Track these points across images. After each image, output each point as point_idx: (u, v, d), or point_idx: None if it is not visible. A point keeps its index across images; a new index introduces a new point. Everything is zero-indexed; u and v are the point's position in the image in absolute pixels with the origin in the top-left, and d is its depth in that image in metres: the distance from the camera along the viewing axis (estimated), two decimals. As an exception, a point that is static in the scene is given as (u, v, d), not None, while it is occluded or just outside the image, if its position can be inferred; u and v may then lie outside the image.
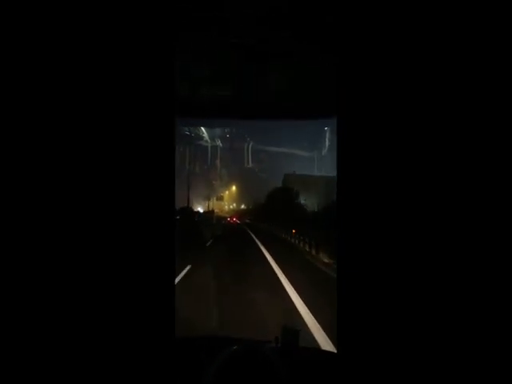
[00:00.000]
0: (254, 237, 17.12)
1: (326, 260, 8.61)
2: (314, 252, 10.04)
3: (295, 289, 5.34)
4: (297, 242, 13.31)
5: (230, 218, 43.38)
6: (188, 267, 7.07)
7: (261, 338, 1.12)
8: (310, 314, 4.02)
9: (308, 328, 3.55)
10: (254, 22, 0.95)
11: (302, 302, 4.60)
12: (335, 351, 0.77)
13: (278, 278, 6.30)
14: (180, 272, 6.51)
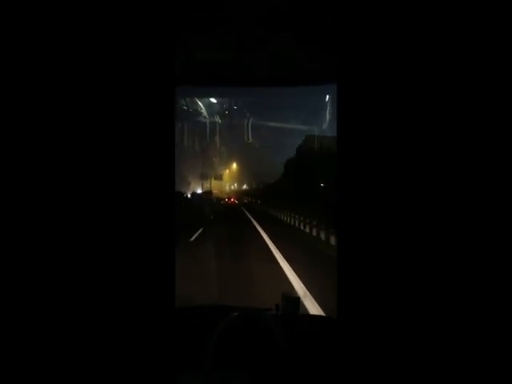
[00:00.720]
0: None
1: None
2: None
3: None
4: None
5: (228, 198, 45.35)
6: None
7: (260, 304, 1.14)
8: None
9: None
10: (254, 22, 1.00)
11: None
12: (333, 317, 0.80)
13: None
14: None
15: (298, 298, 1.18)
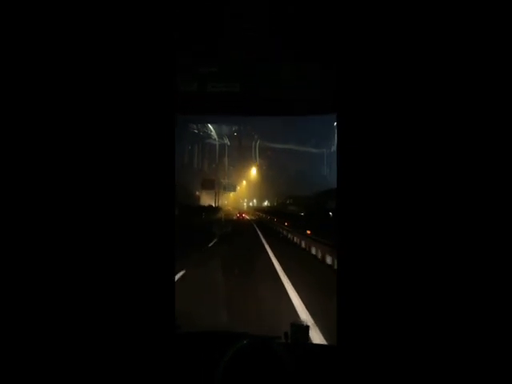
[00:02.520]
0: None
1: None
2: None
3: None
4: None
5: (240, 213, 39.47)
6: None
7: (269, 331, 1.13)
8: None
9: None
10: (254, 56, 0.98)
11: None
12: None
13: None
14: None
15: (308, 327, 1.17)
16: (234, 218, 33.75)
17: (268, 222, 22.90)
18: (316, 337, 2.88)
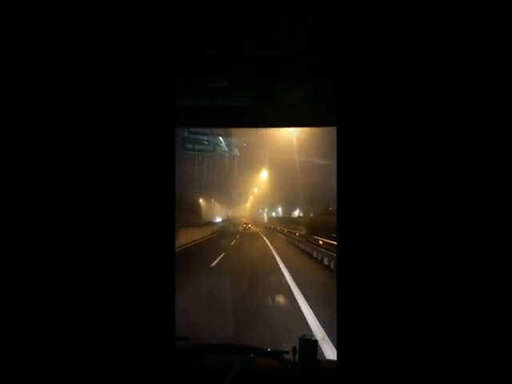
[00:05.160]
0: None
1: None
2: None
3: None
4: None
5: (246, 224, 36.96)
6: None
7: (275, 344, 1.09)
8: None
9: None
10: (253, 68, 1.01)
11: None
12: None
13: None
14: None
15: (316, 341, 1.15)
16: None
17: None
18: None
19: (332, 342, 3.57)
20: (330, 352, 3.35)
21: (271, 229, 31.71)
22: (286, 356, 1.01)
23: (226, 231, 28.12)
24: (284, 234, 21.56)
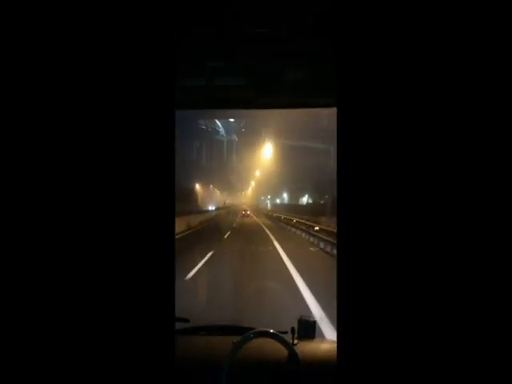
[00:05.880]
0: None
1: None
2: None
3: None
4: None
5: (244, 211, 36.09)
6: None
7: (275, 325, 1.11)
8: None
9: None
10: (255, 57, 0.99)
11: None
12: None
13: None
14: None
15: (315, 322, 1.17)
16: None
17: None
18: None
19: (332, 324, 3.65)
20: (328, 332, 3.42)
21: (279, 220, 22.74)
22: (285, 336, 1.03)
23: (215, 225, 20.89)
24: (308, 233, 12.67)
